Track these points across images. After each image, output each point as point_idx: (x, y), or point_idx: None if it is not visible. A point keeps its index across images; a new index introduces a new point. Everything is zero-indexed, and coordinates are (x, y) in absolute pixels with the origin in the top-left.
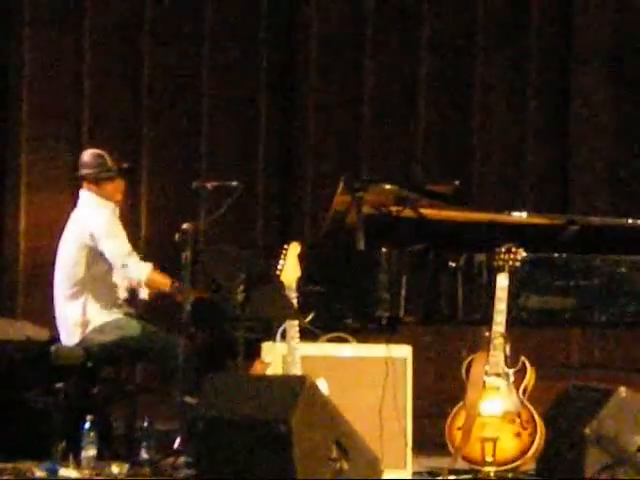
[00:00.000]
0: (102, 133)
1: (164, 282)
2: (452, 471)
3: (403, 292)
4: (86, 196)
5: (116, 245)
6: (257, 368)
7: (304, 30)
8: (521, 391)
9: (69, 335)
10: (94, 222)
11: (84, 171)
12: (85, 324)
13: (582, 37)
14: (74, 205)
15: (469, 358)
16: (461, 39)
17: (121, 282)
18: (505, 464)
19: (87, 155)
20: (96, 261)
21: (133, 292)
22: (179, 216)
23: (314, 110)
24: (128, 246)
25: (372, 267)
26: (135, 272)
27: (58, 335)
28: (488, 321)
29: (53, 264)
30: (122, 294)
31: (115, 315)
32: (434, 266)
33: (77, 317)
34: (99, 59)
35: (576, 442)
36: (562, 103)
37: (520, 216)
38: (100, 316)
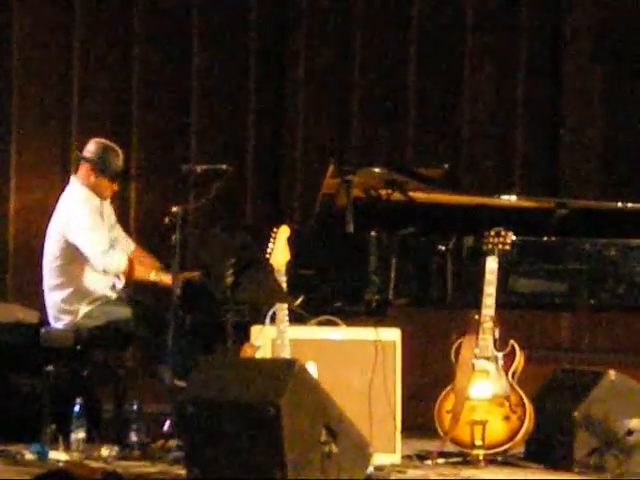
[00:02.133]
0: (92, 115)
1: (144, 272)
2: (441, 454)
3: (392, 275)
4: (76, 187)
5: (92, 241)
6: (246, 351)
7: (295, 12)
8: (510, 374)
9: (57, 321)
10: (74, 216)
11: (90, 156)
12: (72, 313)
13: (572, 16)
14: (63, 188)
15: (458, 341)
16: (450, 17)
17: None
18: (494, 447)
19: (105, 145)
20: (76, 255)
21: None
22: (169, 199)
23: (304, 93)
24: (105, 242)
25: (361, 250)
26: (113, 270)
27: (48, 318)
28: (477, 304)
29: (43, 247)
30: (107, 282)
31: (101, 300)
32: (423, 249)
33: (64, 306)
34: (89, 39)
35: (565, 425)
36: (552, 83)
37: (509, 199)
38: (86, 306)
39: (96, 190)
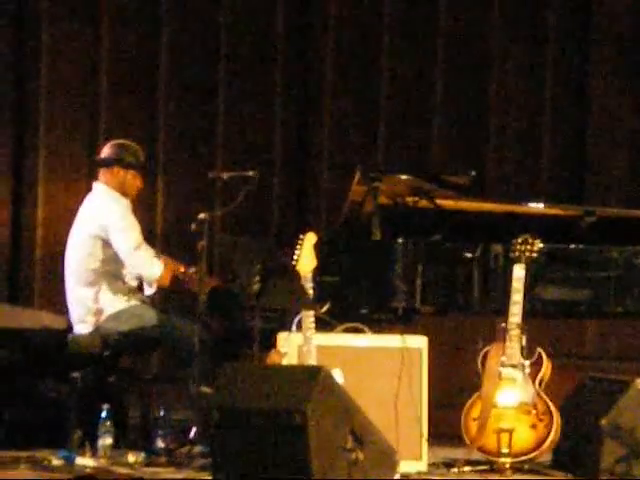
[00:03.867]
0: (119, 123)
1: (172, 277)
2: (468, 462)
3: (419, 282)
4: (101, 189)
5: (127, 238)
6: (273, 358)
7: (320, 21)
8: (537, 382)
9: (82, 323)
10: (107, 214)
11: (111, 156)
12: (99, 312)
13: (600, 17)
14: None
15: (485, 349)
16: (477, 21)
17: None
18: (521, 455)
19: (122, 142)
20: (108, 252)
21: (141, 282)
22: (195, 206)
23: (331, 100)
24: (139, 240)
25: (388, 257)
26: (146, 271)
27: (71, 322)
28: (504, 312)
29: None
30: (133, 282)
31: (128, 303)
32: (450, 257)
33: (90, 305)
34: (117, 46)
35: (592, 434)
36: (580, 90)
37: (537, 207)
38: (114, 304)
39: (123, 188)
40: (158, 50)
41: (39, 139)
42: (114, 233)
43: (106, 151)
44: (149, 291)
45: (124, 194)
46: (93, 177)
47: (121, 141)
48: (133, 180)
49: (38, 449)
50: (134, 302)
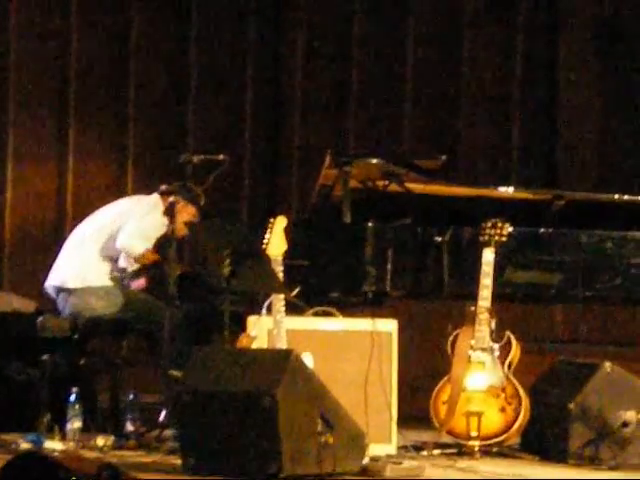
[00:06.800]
0: (89, 105)
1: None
2: (437, 445)
3: (389, 266)
4: (154, 199)
5: (133, 234)
6: (243, 341)
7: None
8: (506, 366)
9: (73, 278)
10: (137, 209)
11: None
12: (86, 277)
13: (567, 6)
14: (60, 177)
15: (455, 333)
16: (449, 6)
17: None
18: (490, 438)
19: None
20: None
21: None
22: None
23: (301, 84)
24: (139, 249)
25: (358, 241)
26: (128, 252)
27: (44, 307)
28: (474, 296)
29: (39, 236)
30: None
31: (112, 283)
32: (420, 241)
33: (86, 266)
34: (86, 25)
35: (560, 417)
36: (548, 75)
37: (506, 191)
38: (100, 279)
39: (178, 216)
40: (129, 33)
41: (8, 121)
42: (131, 221)
43: (174, 186)
44: (130, 268)
45: (178, 224)
46: (62, 160)
47: (190, 184)
48: (184, 208)
49: (7, 432)
50: (114, 283)
